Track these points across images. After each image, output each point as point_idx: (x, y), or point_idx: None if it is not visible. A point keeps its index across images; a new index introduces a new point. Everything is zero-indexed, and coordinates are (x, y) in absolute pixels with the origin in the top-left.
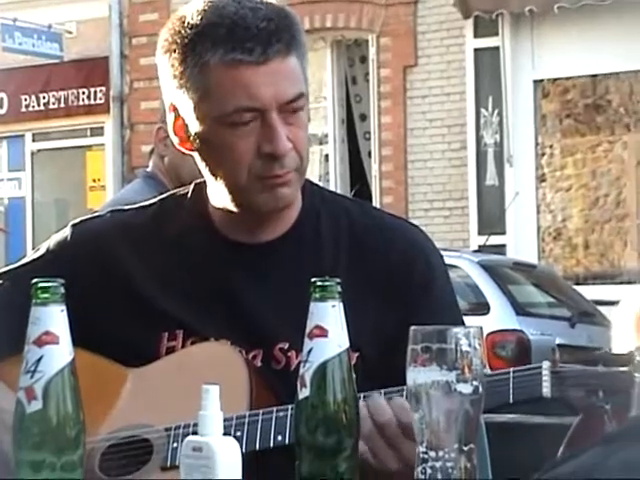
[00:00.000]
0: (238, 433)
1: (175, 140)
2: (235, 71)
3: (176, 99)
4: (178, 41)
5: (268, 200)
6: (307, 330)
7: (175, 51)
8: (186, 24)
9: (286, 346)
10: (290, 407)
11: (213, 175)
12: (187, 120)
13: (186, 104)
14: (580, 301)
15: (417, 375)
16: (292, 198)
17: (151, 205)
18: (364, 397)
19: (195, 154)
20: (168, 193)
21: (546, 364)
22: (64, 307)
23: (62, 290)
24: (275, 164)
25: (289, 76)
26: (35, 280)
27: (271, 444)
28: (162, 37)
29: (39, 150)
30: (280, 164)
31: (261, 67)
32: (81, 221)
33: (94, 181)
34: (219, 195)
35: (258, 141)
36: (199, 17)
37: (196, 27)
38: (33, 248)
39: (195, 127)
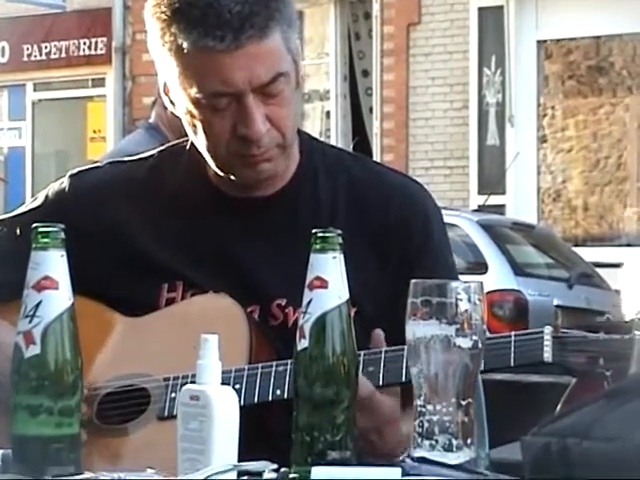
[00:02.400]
0: (237, 386)
1: (165, 99)
2: (207, 57)
3: (160, 64)
4: (158, 14)
5: (249, 174)
6: (307, 281)
7: (157, 19)
8: None
9: (284, 302)
10: (289, 362)
11: (198, 144)
12: (170, 88)
13: (168, 73)
14: (579, 263)
15: (416, 328)
16: (275, 171)
17: (149, 157)
18: None
19: (181, 119)
20: (167, 145)
21: (548, 329)
22: (64, 252)
23: (62, 235)
24: (252, 145)
25: (264, 59)
26: (35, 225)
27: (270, 398)
28: None
29: (40, 100)
30: (257, 145)
31: (233, 53)
32: (79, 171)
33: (95, 132)
34: (207, 159)
35: (235, 122)
36: None
37: (174, 3)
38: (32, 198)
39: (177, 98)
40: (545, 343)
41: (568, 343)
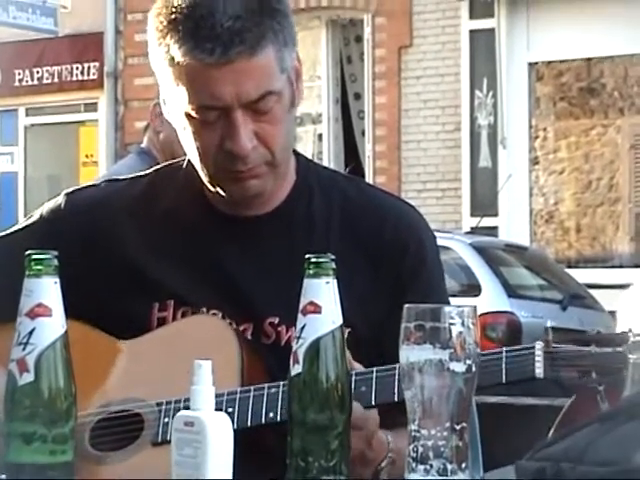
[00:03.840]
0: (230, 409)
1: (163, 109)
2: (197, 69)
3: (158, 74)
4: (157, 24)
5: (236, 190)
6: (300, 306)
7: (156, 29)
8: (168, 6)
9: (276, 321)
10: (282, 384)
11: (190, 156)
12: (166, 98)
13: (164, 83)
14: (571, 284)
15: (410, 353)
16: (263, 188)
17: (146, 175)
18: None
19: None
20: (163, 164)
21: (539, 344)
22: (57, 279)
23: (56, 262)
24: (238, 161)
25: (254, 76)
26: (29, 252)
27: (263, 421)
28: (154, 6)
29: (32, 125)
30: (243, 161)
31: (222, 67)
32: (75, 190)
33: (87, 157)
34: (199, 172)
35: (222, 136)
36: (177, 2)
37: (172, 13)
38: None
39: (170, 107)
40: (537, 358)
41: (560, 358)
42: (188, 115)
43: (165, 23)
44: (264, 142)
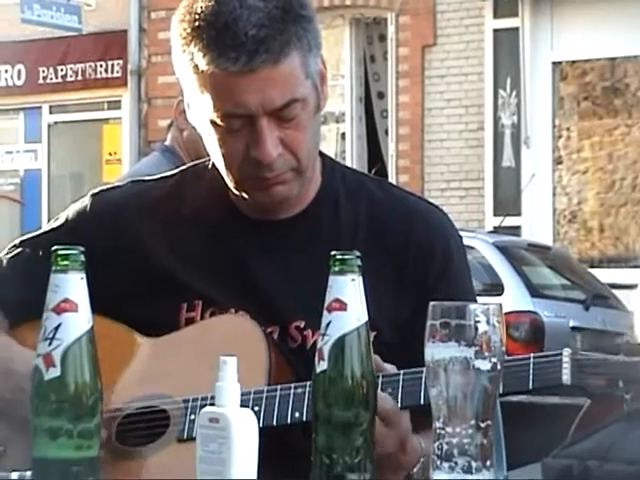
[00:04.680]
0: (255, 408)
1: (188, 114)
2: (221, 78)
3: (182, 80)
4: (180, 30)
5: (262, 197)
6: (326, 303)
7: (179, 36)
8: (192, 12)
9: (302, 324)
10: (308, 384)
11: (216, 161)
12: (190, 104)
13: (188, 90)
14: (594, 284)
15: (435, 350)
16: (289, 194)
17: (172, 176)
18: None
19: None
20: (189, 165)
21: (567, 351)
22: (84, 275)
23: (82, 258)
24: (263, 168)
25: (278, 84)
26: (55, 247)
27: (288, 420)
28: (177, 12)
29: (56, 122)
30: (269, 168)
31: (247, 75)
32: (101, 191)
33: (110, 154)
34: (225, 178)
35: (247, 144)
36: (201, 9)
37: (195, 20)
38: (48, 221)
39: (196, 115)
40: (564, 365)
41: (587, 365)
42: (213, 122)
43: (189, 30)
44: (290, 149)
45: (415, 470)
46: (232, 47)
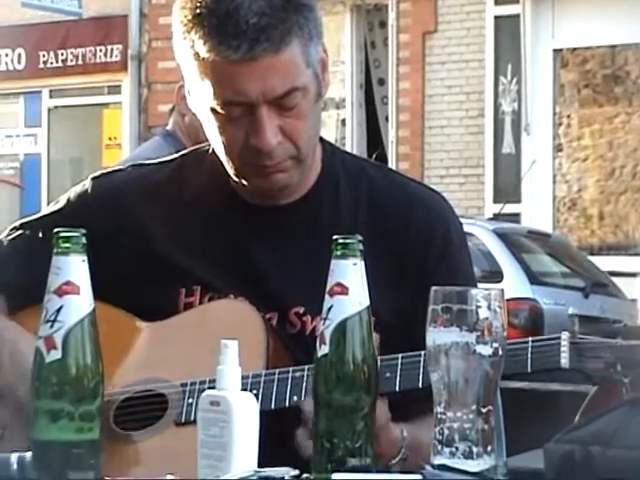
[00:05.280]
0: (254, 391)
1: (189, 101)
2: (222, 65)
3: (183, 67)
4: (181, 18)
5: (262, 184)
6: (327, 287)
7: (180, 23)
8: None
9: (301, 310)
10: (307, 367)
11: (216, 148)
12: (191, 92)
13: (189, 77)
14: (594, 271)
15: (436, 335)
16: (289, 182)
17: (172, 160)
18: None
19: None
20: (189, 149)
21: (565, 334)
22: (85, 257)
23: (83, 240)
24: (263, 156)
25: (279, 72)
26: (57, 230)
27: (287, 404)
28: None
29: (56, 107)
30: (269, 156)
31: (247, 63)
32: (101, 174)
33: (110, 139)
34: (225, 165)
35: (247, 132)
36: None
37: (197, 8)
38: (48, 204)
39: (197, 102)
40: (562, 349)
41: (585, 349)
42: (213, 110)
43: (190, 17)
44: (289, 137)
45: (394, 462)
46: (233, 35)
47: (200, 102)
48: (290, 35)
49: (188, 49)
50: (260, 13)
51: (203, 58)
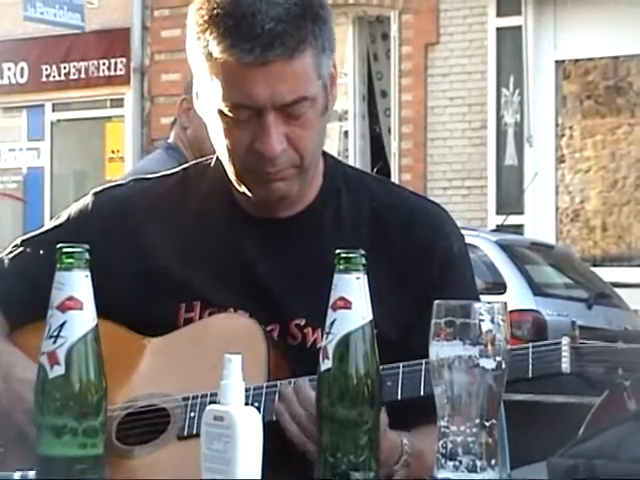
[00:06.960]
0: (255, 404)
1: (196, 103)
2: (233, 68)
3: (194, 67)
4: (197, 18)
5: (262, 192)
6: (330, 301)
7: (196, 23)
8: (210, 1)
9: (302, 322)
10: (307, 379)
11: (220, 152)
12: (200, 92)
13: (199, 78)
14: (597, 283)
15: (440, 349)
16: (289, 192)
17: (174, 174)
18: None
19: (207, 127)
20: (191, 162)
21: (565, 340)
22: (88, 273)
23: (87, 256)
24: (266, 162)
25: (290, 80)
26: (60, 245)
27: None
28: (196, 0)
29: (59, 120)
30: (271, 163)
31: (259, 68)
32: (103, 189)
33: (113, 152)
34: (227, 170)
35: (252, 136)
36: None
37: (214, 9)
38: (51, 218)
39: (203, 102)
40: (563, 354)
41: (586, 353)
42: (220, 112)
43: (206, 18)
44: (294, 146)
45: (396, 468)
46: (247, 38)
47: (208, 104)
48: (305, 44)
49: (201, 49)
50: (277, 19)
51: (215, 58)
